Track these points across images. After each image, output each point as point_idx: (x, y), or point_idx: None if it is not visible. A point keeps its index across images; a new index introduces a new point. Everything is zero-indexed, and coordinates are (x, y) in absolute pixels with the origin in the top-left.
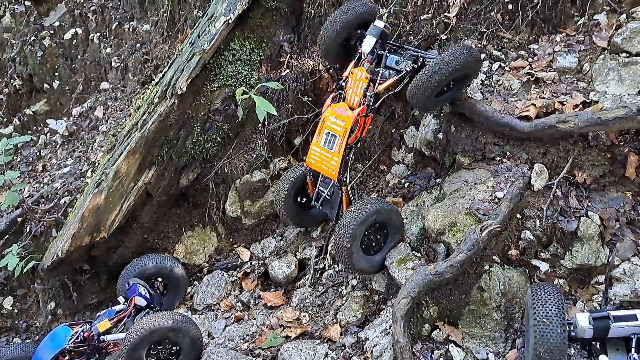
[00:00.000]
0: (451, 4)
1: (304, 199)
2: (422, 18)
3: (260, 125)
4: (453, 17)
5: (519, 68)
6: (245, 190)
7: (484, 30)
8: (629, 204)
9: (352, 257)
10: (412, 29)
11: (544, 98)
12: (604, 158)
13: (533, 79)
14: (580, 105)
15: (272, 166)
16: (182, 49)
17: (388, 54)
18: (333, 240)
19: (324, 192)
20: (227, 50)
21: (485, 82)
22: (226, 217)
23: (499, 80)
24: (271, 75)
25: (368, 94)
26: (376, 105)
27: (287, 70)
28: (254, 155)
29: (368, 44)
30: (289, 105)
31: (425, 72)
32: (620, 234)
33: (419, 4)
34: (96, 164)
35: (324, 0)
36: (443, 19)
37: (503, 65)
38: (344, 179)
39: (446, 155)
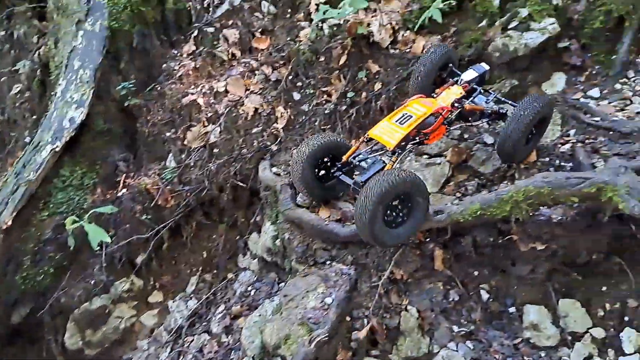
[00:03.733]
0: (279, 117)
1: (322, 172)
2: (253, 132)
3: (97, 249)
4: (281, 128)
5: None
6: (85, 319)
7: None
8: (441, 293)
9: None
10: (244, 142)
11: None
12: (415, 254)
13: None
14: None
15: (114, 290)
16: (6, 179)
17: (481, 92)
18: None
19: (362, 161)
20: (57, 177)
21: None
22: (66, 350)
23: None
24: (107, 196)
25: (456, 104)
26: (453, 117)
27: (124, 190)
28: (93, 282)
29: (469, 75)
30: (127, 225)
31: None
32: (436, 322)
33: (249, 119)
34: None
35: (157, 120)
36: (272, 131)
37: None
38: (398, 152)
39: (285, 260)
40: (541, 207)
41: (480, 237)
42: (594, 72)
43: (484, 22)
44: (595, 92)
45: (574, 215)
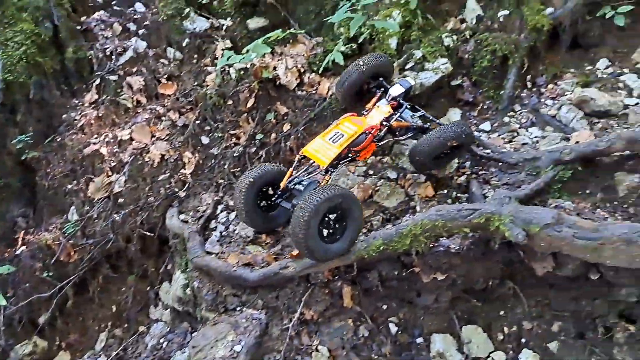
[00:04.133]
0: (187, 162)
1: (264, 202)
2: (159, 179)
3: None
4: (189, 174)
5: None
6: None
7: (221, 181)
8: (351, 330)
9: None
10: (151, 190)
11: (275, 244)
12: (324, 293)
13: None
14: None
15: (14, 354)
16: None
17: (407, 107)
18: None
19: (298, 184)
20: None
21: (224, 233)
22: None
23: (236, 229)
24: (5, 254)
25: (385, 122)
26: (382, 134)
27: (23, 247)
28: None
29: (397, 90)
30: (27, 284)
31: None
32: (347, 359)
33: (155, 166)
34: None
35: (57, 172)
36: (180, 177)
37: None
38: (331, 170)
39: (197, 309)
40: (441, 239)
41: (386, 271)
42: (485, 107)
43: None
44: (486, 125)
45: (469, 245)
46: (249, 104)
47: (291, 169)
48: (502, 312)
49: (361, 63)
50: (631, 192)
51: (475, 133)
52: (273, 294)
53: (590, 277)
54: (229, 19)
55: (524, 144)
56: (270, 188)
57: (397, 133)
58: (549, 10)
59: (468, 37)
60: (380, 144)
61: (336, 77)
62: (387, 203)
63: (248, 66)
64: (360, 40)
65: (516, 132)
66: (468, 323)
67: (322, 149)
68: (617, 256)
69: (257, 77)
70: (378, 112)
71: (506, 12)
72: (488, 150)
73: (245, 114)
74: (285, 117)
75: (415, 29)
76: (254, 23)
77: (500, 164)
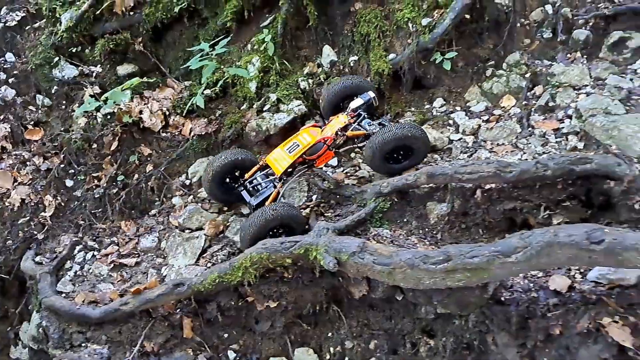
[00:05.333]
0: (47, 205)
1: (230, 181)
2: (19, 222)
3: None
4: (49, 217)
5: (109, 254)
6: None
7: (81, 222)
8: (190, 359)
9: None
10: (9, 234)
11: (127, 281)
12: (165, 326)
13: (119, 263)
14: (146, 285)
15: None
16: None
17: (366, 117)
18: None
19: (259, 182)
20: None
21: (78, 272)
22: None
23: (90, 268)
24: None
25: (340, 132)
26: (337, 143)
27: None
28: None
29: (356, 103)
30: None
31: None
32: None
33: (15, 210)
34: None
35: None
36: (40, 219)
37: (96, 253)
38: (284, 179)
39: (48, 349)
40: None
41: (224, 302)
42: None
43: (244, 106)
44: (334, 161)
45: (298, 273)
46: (113, 147)
47: (255, 168)
48: (330, 334)
49: (328, 87)
50: (440, 219)
51: (324, 168)
52: (116, 329)
53: (397, 298)
54: (99, 66)
55: (361, 177)
56: (240, 172)
57: (355, 140)
58: (392, 56)
59: (322, 80)
60: (340, 150)
61: (200, 118)
62: (237, 238)
63: (115, 110)
64: (221, 84)
65: (358, 166)
66: (301, 346)
67: (279, 158)
68: (406, 279)
69: (120, 121)
70: (336, 122)
71: (356, 57)
72: (325, 185)
73: (109, 157)
74: (149, 158)
75: (273, 74)
76: (123, 69)
77: (338, 196)
